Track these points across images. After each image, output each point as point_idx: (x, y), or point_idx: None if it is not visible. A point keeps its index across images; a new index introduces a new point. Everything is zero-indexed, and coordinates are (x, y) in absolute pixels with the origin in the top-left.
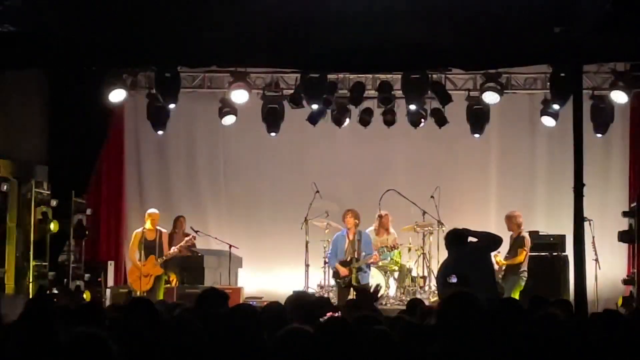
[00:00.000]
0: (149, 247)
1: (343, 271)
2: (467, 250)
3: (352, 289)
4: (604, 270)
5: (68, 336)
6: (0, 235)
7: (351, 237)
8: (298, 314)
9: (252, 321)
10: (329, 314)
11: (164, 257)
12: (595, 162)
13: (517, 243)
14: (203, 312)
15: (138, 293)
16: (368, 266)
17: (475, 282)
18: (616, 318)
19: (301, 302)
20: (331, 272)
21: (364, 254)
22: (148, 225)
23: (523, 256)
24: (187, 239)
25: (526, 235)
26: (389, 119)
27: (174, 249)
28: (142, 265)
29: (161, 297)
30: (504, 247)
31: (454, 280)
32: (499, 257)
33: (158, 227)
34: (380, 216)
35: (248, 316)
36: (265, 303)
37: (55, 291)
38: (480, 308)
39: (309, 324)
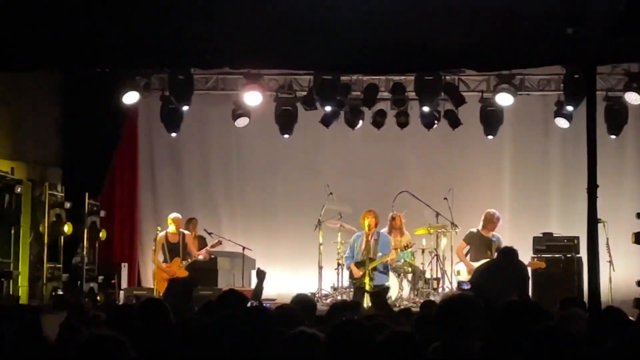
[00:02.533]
0: (173, 250)
1: (356, 272)
2: (502, 262)
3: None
4: (618, 272)
5: (85, 337)
6: (15, 237)
7: (369, 238)
8: (309, 317)
9: (262, 322)
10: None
11: (189, 260)
12: (609, 164)
13: (487, 244)
14: (218, 313)
15: (159, 295)
16: (386, 268)
17: (491, 288)
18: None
19: (310, 305)
20: (344, 273)
21: (380, 254)
22: (172, 229)
23: None
24: (213, 242)
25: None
26: (402, 121)
27: (200, 255)
28: (167, 267)
29: None
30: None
31: (466, 287)
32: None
33: (181, 230)
34: (392, 218)
35: (258, 316)
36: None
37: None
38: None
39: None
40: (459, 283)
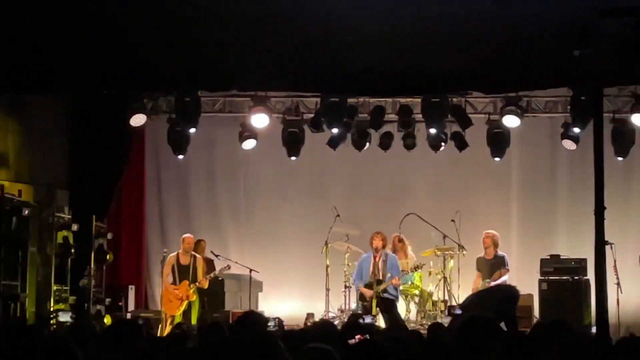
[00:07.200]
0: (183, 272)
1: (368, 293)
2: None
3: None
4: (626, 294)
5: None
6: (22, 260)
7: (377, 259)
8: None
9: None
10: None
11: (197, 283)
12: (617, 185)
13: (498, 263)
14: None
15: (165, 316)
16: (396, 289)
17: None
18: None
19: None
20: (352, 296)
21: (389, 275)
22: (182, 249)
23: (506, 276)
24: (222, 267)
25: (505, 254)
26: (409, 143)
27: (207, 278)
28: (175, 289)
29: (194, 322)
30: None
31: (458, 312)
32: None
33: (193, 252)
34: (398, 239)
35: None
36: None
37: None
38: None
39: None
40: (450, 308)
